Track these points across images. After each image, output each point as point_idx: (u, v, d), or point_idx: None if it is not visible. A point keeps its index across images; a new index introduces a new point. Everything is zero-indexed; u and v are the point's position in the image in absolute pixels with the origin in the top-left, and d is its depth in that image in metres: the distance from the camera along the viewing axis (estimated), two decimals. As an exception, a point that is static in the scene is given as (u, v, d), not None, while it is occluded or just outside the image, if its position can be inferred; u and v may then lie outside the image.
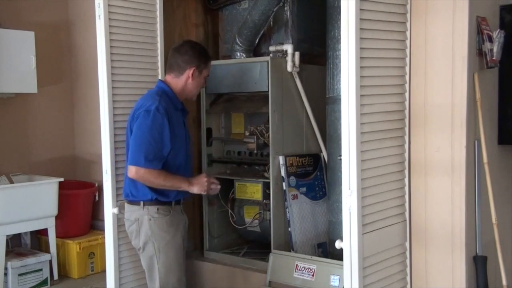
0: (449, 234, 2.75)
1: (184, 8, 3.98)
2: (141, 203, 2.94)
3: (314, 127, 3.60)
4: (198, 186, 2.98)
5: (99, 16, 3.17)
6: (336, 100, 3.16)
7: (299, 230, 3.44)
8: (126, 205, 3.04)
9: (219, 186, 3.36)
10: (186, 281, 3.23)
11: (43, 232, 4.00)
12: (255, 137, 3.59)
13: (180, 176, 2.95)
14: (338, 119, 3.12)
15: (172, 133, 2.89)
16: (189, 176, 3.05)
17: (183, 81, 3.02)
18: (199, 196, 3.86)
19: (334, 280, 3.02)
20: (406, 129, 2.84)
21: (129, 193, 3.00)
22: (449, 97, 2.72)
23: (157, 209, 2.94)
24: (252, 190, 3.61)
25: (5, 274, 3.71)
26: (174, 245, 2.97)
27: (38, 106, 4.30)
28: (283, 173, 3.42)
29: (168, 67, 3.07)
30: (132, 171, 2.85)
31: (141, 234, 2.96)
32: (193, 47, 3.07)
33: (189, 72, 2.99)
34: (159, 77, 3.44)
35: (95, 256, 4.10)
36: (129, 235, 3.06)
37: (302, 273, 3.15)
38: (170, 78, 3.04)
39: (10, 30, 3.90)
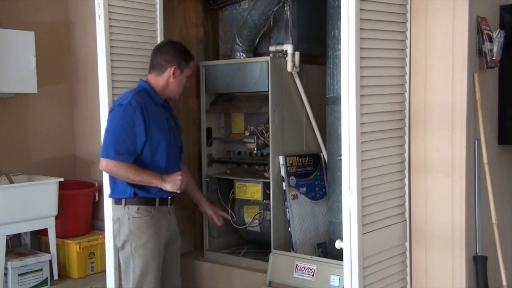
0: (449, 234, 2.75)
1: (184, 8, 3.98)
2: (123, 201, 2.93)
3: (314, 127, 3.60)
4: (171, 184, 2.91)
5: (99, 16, 3.17)
6: (336, 100, 3.16)
7: (299, 230, 3.44)
8: (112, 205, 3.04)
9: (228, 216, 3.47)
10: (186, 281, 3.23)
11: (43, 232, 4.00)
12: (255, 137, 3.59)
13: (153, 172, 2.90)
14: (338, 119, 3.12)
15: (149, 127, 2.88)
16: (169, 165, 3.00)
17: (164, 79, 3.01)
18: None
19: (334, 280, 3.02)
20: (406, 129, 2.84)
21: (111, 190, 3.00)
22: (449, 97, 2.72)
23: (138, 209, 2.92)
24: (252, 190, 3.61)
25: (5, 274, 3.71)
26: (151, 247, 2.92)
27: (38, 106, 4.30)
28: (283, 173, 3.42)
29: (150, 66, 3.07)
30: (103, 163, 2.86)
31: (121, 233, 2.94)
32: (174, 46, 3.09)
33: (170, 70, 3.00)
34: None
35: (95, 256, 4.09)
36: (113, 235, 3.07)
37: (302, 273, 3.15)
38: (151, 77, 3.05)
39: (10, 30, 3.89)
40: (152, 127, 2.90)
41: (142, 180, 2.88)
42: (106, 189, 3.22)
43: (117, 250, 3.23)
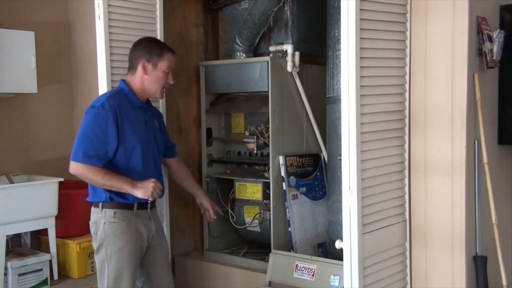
0: (449, 234, 2.75)
1: (184, 8, 3.98)
2: (100, 205, 2.88)
3: (314, 127, 3.60)
4: (142, 190, 2.80)
5: (99, 16, 3.17)
6: (336, 100, 3.16)
7: (299, 230, 3.44)
8: (91, 207, 2.98)
9: (222, 213, 3.44)
10: (186, 281, 3.22)
11: (43, 232, 3.99)
12: (255, 137, 3.59)
13: (124, 177, 2.81)
14: (338, 119, 3.12)
15: (122, 131, 2.82)
16: (146, 170, 2.93)
17: (138, 77, 2.94)
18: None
19: (334, 280, 3.02)
20: (406, 129, 2.84)
21: (89, 193, 2.95)
22: (449, 97, 2.72)
23: (114, 213, 2.86)
24: (252, 190, 3.61)
25: (5, 274, 3.70)
26: (127, 252, 2.86)
27: (38, 106, 4.29)
28: (283, 173, 3.42)
29: (128, 67, 3.03)
30: (72, 166, 2.80)
31: (97, 237, 2.89)
32: (146, 41, 3.01)
33: (141, 66, 2.92)
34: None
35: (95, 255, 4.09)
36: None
37: (302, 273, 3.15)
38: (128, 77, 2.99)
39: (10, 30, 3.89)
40: (126, 131, 2.83)
41: (112, 185, 2.80)
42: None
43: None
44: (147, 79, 2.95)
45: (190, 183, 3.39)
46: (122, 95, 2.91)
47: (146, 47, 2.96)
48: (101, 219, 2.88)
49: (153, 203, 3.02)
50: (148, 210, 2.98)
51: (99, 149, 2.79)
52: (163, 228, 3.23)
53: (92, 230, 2.96)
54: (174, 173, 3.33)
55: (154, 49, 2.97)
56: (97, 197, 2.91)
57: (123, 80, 3.00)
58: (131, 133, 2.86)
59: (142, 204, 2.93)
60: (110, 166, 2.84)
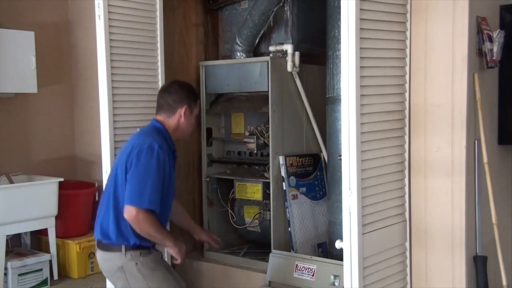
0: (449, 234, 2.76)
1: (184, 8, 3.98)
2: (123, 248, 2.73)
3: (314, 127, 3.60)
4: (176, 251, 2.79)
5: (99, 16, 3.17)
6: (336, 100, 3.16)
7: (299, 230, 3.44)
8: (101, 252, 2.80)
9: (219, 241, 3.29)
10: (186, 281, 3.21)
11: (43, 232, 4.00)
12: (255, 137, 3.59)
13: (170, 234, 2.82)
14: (338, 119, 3.12)
15: (169, 176, 2.78)
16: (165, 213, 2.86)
17: (175, 120, 2.91)
18: (199, 196, 3.87)
19: (334, 280, 3.02)
20: (406, 129, 2.84)
21: (108, 234, 2.75)
22: (449, 97, 2.72)
23: (140, 253, 2.75)
24: (252, 190, 3.62)
25: (5, 274, 3.70)
26: (165, 277, 2.81)
27: (38, 106, 4.30)
28: (283, 173, 3.42)
29: (158, 107, 2.95)
30: (132, 212, 2.61)
31: (131, 280, 2.75)
32: (182, 86, 2.99)
33: (181, 111, 2.90)
34: (159, 77, 3.48)
35: (95, 256, 4.09)
36: (111, 282, 2.93)
37: (302, 273, 3.15)
38: (162, 118, 2.91)
39: (10, 30, 3.89)
40: (171, 175, 2.80)
41: (157, 237, 2.73)
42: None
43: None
44: (183, 124, 2.94)
45: (185, 220, 3.22)
46: (162, 137, 2.85)
47: (185, 93, 2.94)
48: (128, 262, 2.75)
49: None
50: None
51: (159, 193, 2.69)
52: None
53: (116, 276, 2.79)
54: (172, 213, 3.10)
55: (192, 95, 2.98)
56: (121, 240, 2.74)
57: (156, 120, 2.93)
58: (170, 179, 2.81)
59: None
60: None
